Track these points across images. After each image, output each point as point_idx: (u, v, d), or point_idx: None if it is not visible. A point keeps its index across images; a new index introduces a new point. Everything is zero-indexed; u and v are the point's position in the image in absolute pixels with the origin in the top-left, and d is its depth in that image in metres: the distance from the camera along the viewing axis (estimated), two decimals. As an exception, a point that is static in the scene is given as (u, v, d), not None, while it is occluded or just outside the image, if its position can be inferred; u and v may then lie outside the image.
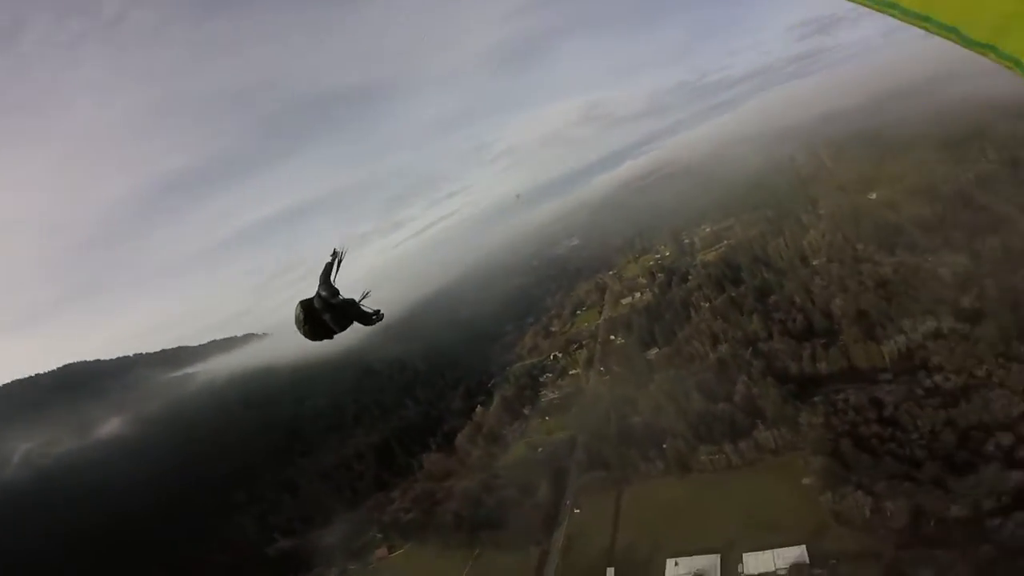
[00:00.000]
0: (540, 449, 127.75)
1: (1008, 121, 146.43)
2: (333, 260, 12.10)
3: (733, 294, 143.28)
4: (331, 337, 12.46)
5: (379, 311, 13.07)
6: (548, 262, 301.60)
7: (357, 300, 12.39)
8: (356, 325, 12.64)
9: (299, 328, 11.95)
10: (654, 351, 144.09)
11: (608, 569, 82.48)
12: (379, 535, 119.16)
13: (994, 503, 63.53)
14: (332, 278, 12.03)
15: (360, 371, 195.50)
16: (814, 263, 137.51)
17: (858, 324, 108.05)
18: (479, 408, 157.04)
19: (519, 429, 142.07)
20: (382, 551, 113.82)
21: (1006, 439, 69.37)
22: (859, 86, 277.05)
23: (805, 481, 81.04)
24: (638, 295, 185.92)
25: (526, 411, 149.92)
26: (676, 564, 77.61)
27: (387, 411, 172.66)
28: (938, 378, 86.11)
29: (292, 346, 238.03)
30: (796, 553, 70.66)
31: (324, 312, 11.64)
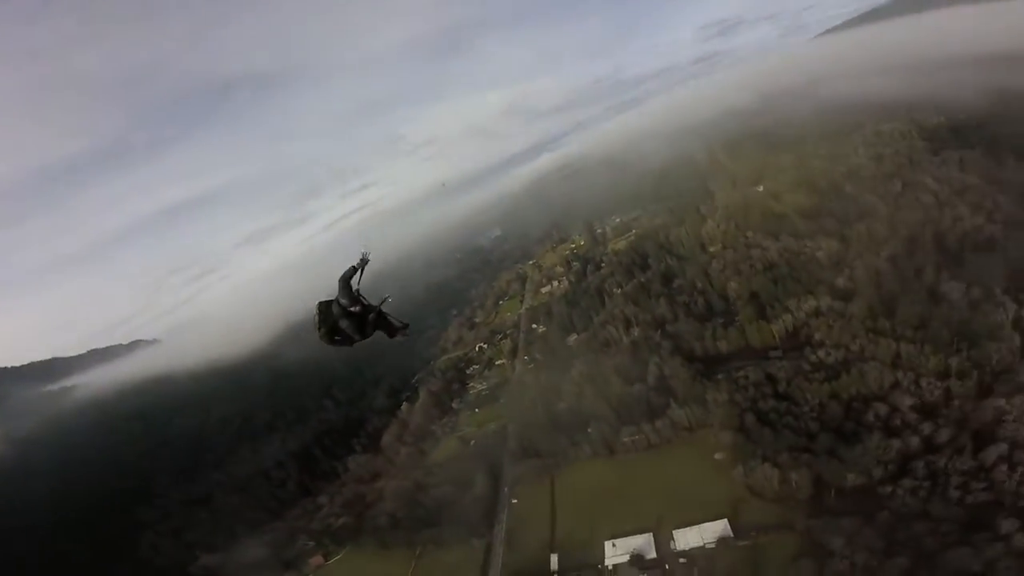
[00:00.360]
0: (472, 442, 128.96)
1: (875, 120, 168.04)
2: (358, 266, 11.83)
3: (642, 279, 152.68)
4: (350, 344, 12.17)
5: (407, 324, 13.08)
6: (471, 254, 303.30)
7: (380, 307, 12.07)
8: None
9: (317, 331, 11.83)
10: (573, 337, 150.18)
11: (551, 556, 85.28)
12: (311, 543, 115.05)
13: (883, 471, 71.62)
14: (355, 284, 11.69)
15: (272, 375, 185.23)
16: (711, 250, 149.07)
17: (751, 305, 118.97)
18: (405, 405, 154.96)
19: (449, 423, 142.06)
20: (317, 559, 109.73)
21: (882, 409, 79.34)
22: (753, 86, 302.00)
23: (717, 456, 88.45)
24: (556, 283, 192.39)
25: (455, 405, 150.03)
26: (614, 546, 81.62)
27: (305, 415, 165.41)
28: (821, 353, 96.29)
29: (189, 352, 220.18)
30: (720, 527, 76.38)
31: (341, 318, 11.37)
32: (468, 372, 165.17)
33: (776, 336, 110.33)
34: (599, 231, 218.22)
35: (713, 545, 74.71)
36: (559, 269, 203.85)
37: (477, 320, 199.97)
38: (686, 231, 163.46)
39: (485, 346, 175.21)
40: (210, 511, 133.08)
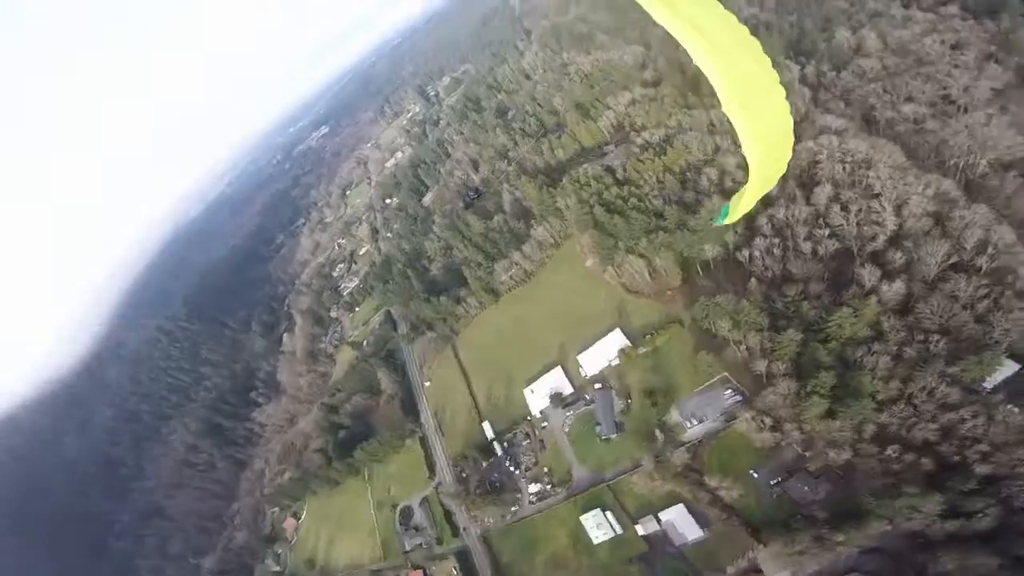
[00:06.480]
0: (365, 343, 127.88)
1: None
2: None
3: (478, 120, 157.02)
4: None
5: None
6: (300, 158, 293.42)
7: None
8: None
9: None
10: (428, 195, 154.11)
11: (484, 425, 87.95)
12: (275, 509, 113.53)
13: (734, 236, 73.13)
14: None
15: (126, 365, 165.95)
16: (534, 77, 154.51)
17: (577, 111, 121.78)
18: (285, 336, 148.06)
19: (335, 335, 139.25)
20: (290, 522, 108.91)
21: (713, 173, 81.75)
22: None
23: (588, 264, 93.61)
24: (400, 154, 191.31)
25: (333, 313, 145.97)
26: (532, 391, 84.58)
27: (187, 390, 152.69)
28: (645, 135, 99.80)
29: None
30: (616, 338, 79.33)
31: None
32: (335, 275, 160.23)
33: (604, 132, 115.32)
34: (432, 94, 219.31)
35: (617, 361, 78.59)
36: (399, 140, 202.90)
37: (328, 219, 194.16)
38: (509, 67, 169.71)
39: (343, 241, 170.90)
40: (167, 519, 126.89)
